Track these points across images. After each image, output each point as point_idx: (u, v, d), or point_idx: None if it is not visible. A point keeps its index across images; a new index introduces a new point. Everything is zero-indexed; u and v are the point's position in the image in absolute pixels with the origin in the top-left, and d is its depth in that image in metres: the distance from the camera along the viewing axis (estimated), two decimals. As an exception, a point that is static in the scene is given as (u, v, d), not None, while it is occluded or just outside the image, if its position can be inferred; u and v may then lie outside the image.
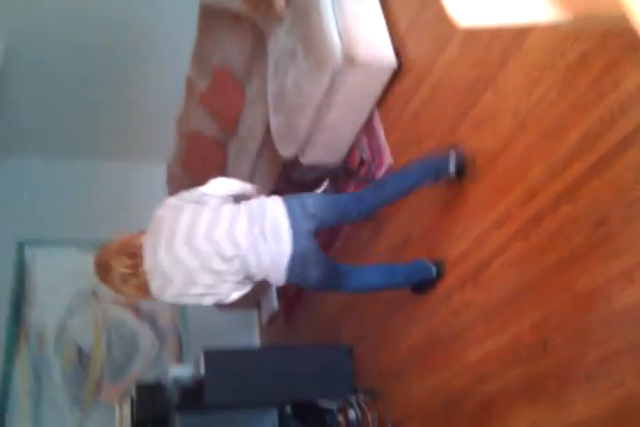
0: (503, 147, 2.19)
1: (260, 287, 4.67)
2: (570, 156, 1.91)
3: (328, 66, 2.81)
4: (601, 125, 1.80)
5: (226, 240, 2.23)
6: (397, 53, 2.86)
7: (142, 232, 2.38)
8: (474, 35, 2.39)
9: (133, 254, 2.29)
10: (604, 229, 1.78)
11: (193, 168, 4.93)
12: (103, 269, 2.34)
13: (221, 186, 2.53)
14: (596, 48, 1.82)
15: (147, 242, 2.31)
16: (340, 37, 2.84)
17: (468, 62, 2.41)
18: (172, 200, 2.43)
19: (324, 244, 3.66)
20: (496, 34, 2.24)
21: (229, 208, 2.35)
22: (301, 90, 3.01)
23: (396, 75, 2.88)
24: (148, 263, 2.27)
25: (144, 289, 2.32)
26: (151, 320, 4.97)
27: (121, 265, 2.29)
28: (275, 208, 2.31)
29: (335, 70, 2.81)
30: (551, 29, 1.97)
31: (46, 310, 4.86)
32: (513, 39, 2.16)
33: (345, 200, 2.54)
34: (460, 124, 2.44)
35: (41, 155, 5.35)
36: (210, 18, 3.85)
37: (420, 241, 2.73)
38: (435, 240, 2.61)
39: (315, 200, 2.38)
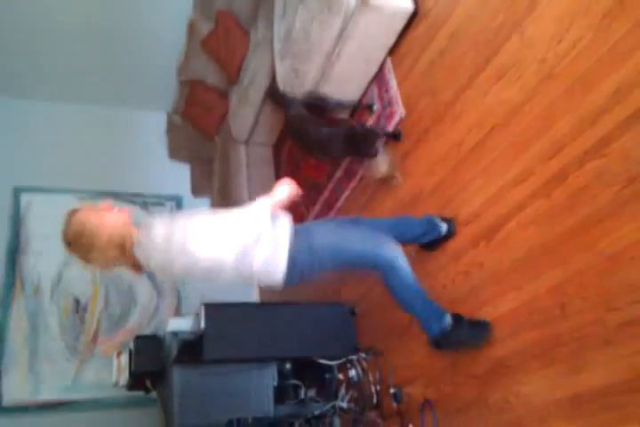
0: (527, 98, 2.06)
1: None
2: (601, 108, 1.78)
3: (340, 7, 2.64)
4: (638, 75, 1.67)
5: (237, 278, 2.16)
6: (414, -3, 2.70)
7: (132, 228, 2.12)
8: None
9: (133, 262, 2.17)
10: (634, 187, 1.67)
11: (193, 117, 4.78)
12: (85, 257, 2.15)
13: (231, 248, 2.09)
14: (638, -10, 1.67)
15: (154, 260, 2.11)
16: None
17: (492, 7, 2.25)
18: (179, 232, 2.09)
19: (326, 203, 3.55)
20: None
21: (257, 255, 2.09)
22: (311, 34, 2.85)
23: (412, 21, 2.72)
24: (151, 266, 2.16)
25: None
26: (150, 273, 4.89)
27: (107, 258, 2.14)
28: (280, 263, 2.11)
29: (348, 12, 2.65)
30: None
31: (42, 259, 4.76)
32: (543, -19, 2.00)
33: (359, 258, 2.24)
34: (479, 73, 2.30)
35: (40, 98, 5.17)
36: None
37: (430, 197, 2.61)
38: (447, 197, 2.50)
39: (322, 259, 2.15)
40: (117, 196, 5.10)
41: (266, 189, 4.34)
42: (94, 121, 5.30)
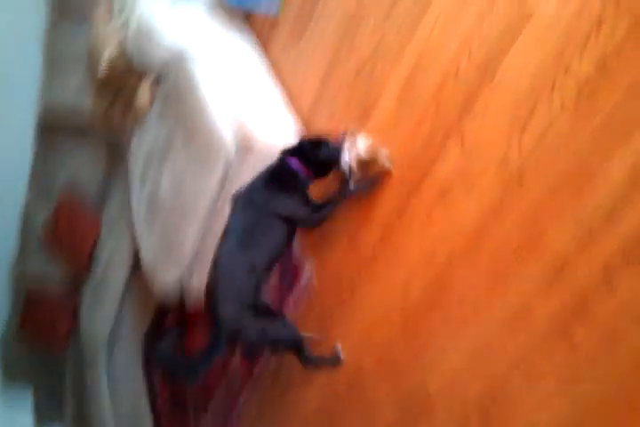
0: (492, 213, 1.56)
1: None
2: (612, 198, 1.30)
3: (218, 155, 2.14)
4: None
5: None
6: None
7: None
8: (411, 86, 1.86)
9: None
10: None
11: (33, 335, 3.89)
12: None
13: None
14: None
15: None
16: (229, 116, 2.22)
17: (408, 122, 1.84)
18: None
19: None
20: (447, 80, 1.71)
21: None
22: (183, 189, 2.30)
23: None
24: None
25: None
26: None
27: None
28: None
29: (228, 159, 2.14)
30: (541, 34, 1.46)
31: None
32: (478, 75, 1.63)
33: None
34: (407, 205, 1.80)
35: None
36: (51, 136, 3.14)
37: (378, 381, 1.94)
38: (397, 373, 1.84)
39: None
40: None
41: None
42: None
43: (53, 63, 3.17)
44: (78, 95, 3.09)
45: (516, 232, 1.50)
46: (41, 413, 4.10)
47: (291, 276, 2.31)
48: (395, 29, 1.94)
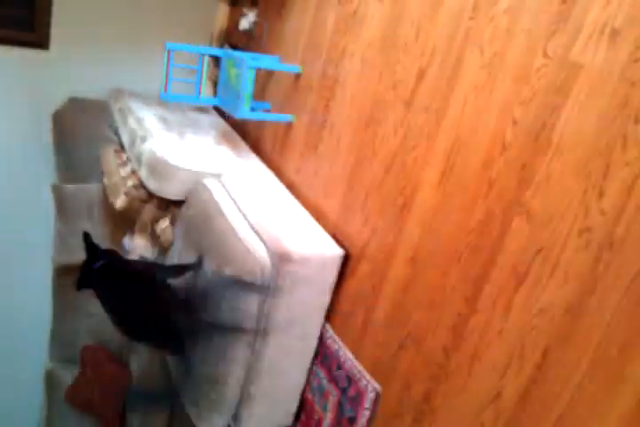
0: (582, 297, 1.36)
1: None
2: None
3: (253, 271, 1.97)
4: None
5: None
6: (336, 239, 2.14)
7: None
8: (451, 170, 1.73)
9: None
10: None
11: None
12: None
13: None
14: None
15: None
16: (258, 234, 2.07)
17: (461, 201, 1.69)
18: None
19: None
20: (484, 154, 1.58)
21: None
22: (219, 317, 2.09)
23: (346, 266, 2.11)
24: None
25: None
26: None
27: None
28: None
29: (265, 275, 1.97)
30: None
31: None
32: (530, 142, 1.50)
33: None
34: (482, 287, 1.62)
35: None
36: (68, 279, 2.96)
37: None
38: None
39: None
40: None
41: None
42: None
43: (64, 215, 3.13)
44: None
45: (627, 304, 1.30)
46: None
47: (351, 403, 2.05)
48: (421, 116, 1.84)
